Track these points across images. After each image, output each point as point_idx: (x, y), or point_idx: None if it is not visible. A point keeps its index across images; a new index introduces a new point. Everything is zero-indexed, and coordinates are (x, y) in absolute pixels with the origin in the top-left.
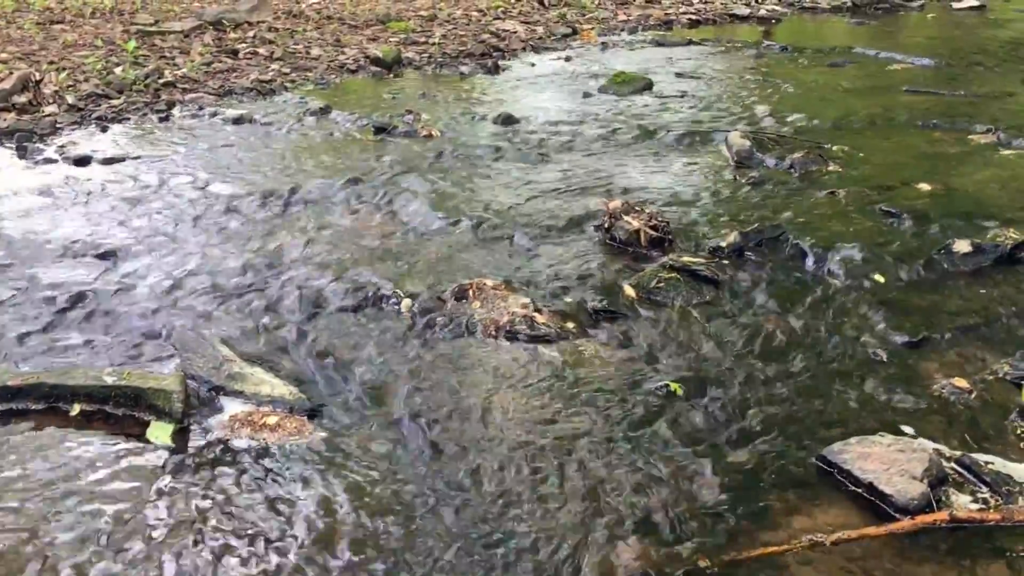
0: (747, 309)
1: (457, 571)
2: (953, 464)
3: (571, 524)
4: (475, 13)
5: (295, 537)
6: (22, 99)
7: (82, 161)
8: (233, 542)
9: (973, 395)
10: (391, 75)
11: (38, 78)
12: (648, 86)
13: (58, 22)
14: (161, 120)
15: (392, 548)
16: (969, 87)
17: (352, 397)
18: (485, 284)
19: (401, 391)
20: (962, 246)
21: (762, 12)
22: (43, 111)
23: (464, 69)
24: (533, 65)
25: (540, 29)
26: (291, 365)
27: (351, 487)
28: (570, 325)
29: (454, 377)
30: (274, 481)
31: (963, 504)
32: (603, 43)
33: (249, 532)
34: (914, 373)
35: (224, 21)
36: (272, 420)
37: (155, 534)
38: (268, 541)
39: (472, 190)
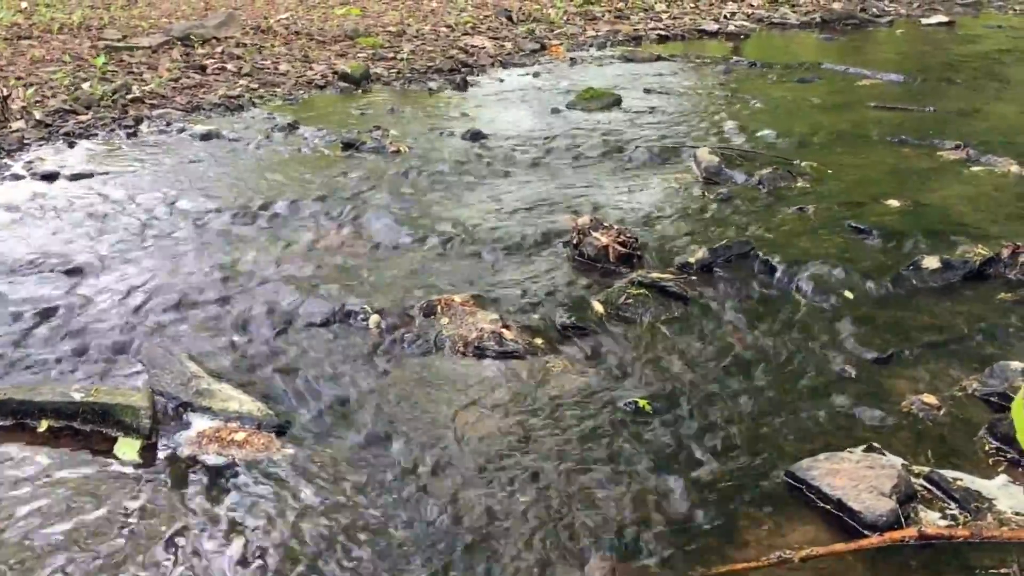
0: (716, 325)
1: None
2: (922, 480)
3: (537, 542)
4: (444, 29)
5: (259, 554)
6: None
7: (50, 177)
8: (198, 559)
9: (942, 411)
10: (359, 91)
11: (5, 94)
12: (617, 102)
13: (26, 37)
14: (129, 136)
15: (356, 566)
16: (938, 103)
17: (320, 414)
18: (453, 300)
19: (369, 407)
20: (931, 262)
21: (731, 28)
22: (10, 127)
23: (433, 85)
24: (502, 81)
25: (509, 45)
26: (259, 381)
27: (317, 504)
28: (539, 341)
29: (422, 393)
30: (241, 498)
31: (932, 520)
32: (572, 59)
33: (214, 548)
34: (883, 389)
35: (192, 37)
36: (240, 436)
37: (120, 550)
38: (233, 557)
39: (440, 206)
